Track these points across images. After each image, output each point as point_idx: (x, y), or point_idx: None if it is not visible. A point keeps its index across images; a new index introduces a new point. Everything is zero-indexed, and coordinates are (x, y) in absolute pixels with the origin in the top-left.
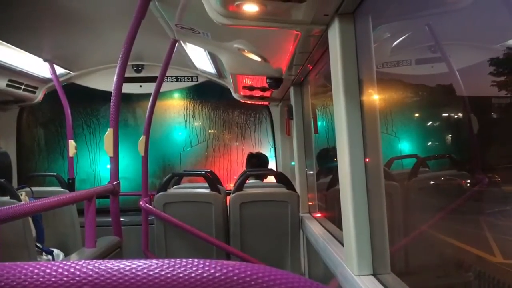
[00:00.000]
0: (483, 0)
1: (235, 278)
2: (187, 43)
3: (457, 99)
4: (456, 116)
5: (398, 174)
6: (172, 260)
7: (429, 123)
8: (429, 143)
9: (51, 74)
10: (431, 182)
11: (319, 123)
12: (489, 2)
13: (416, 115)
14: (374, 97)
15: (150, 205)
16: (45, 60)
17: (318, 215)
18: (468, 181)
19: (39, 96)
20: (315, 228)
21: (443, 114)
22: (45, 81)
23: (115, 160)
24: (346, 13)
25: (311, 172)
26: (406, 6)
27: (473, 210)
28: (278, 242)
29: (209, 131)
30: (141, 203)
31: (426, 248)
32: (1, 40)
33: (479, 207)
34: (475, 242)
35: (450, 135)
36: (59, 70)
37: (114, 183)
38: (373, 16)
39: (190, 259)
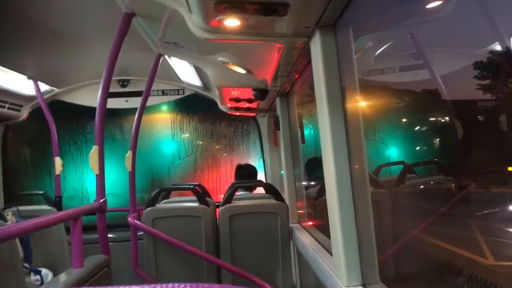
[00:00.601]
0: (462, 9)
1: None
2: (172, 57)
3: (441, 104)
4: (440, 121)
5: (386, 182)
6: (160, 285)
7: (414, 129)
8: (415, 149)
9: (36, 92)
10: (419, 188)
11: (306, 132)
12: (468, 11)
13: (402, 121)
14: (357, 105)
15: (139, 220)
16: (29, 78)
17: (308, 224)
18: (455, 185)
19: (24, 114)
20: (305, 239)
21: (428, 120)
22: (30, 98)
23: (101, 177)
24: (327, 25)
25: (300, 181)
26: (387, 16)
27: (462, 213)
28: (268, 254)
29: (198, 143)
30: (129, 219)
31: (416, 255)
32: None
33: (468, 210)
34: (466, 245)
35: (435, 141)
36: (44, 87)
37: (101, 200)
38: (354, 27)
39: (176, 283)
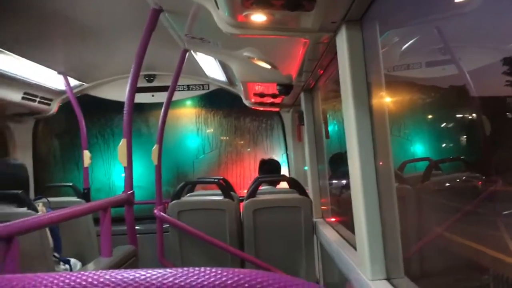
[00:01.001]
0: (490, 3)
1: (246, 285)
2: (198, 52)
3: (468, 101)
4: (468, 118)
5: (411, 178)
6: (185, 268)
7: (441, 125)
8: (442, 146)
9: (65, 86)
10: (444, 185)
11: (330, 128)
12: (497, 5)
13: (428, 117)
14: (383, 101)
15: (165, 213)
16: (59, 73)
17: (332, 220)
18: (482, 182)
19: (54, 108)
20: (328, 233)
21: (455, 116)
22: (59, 93)
23: (129, 170)
24: (353, 20)
25: (324, 177)
26: (413, 11)
27: (489, 211)
28: (292, 248)
29: (222, 138)
30: (155, 211)
31: (441, 251)
32: (17, 54)
33: (495, 208)
34: (492, 243)
35: (462, 137)
36: (73, 82)
37: (129, 192)
38: (380, 22)
39: (202, 268)
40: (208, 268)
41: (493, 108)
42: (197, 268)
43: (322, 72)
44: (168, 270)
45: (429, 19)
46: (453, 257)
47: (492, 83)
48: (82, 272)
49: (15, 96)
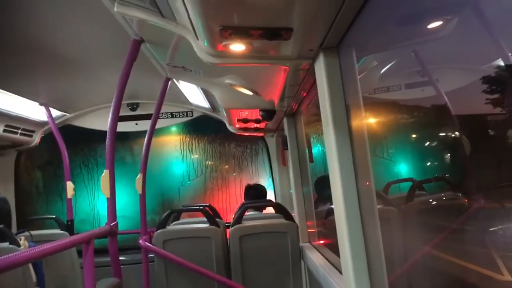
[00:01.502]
0: (464, 28)
1: None
2: (180, 80)
3: (447, 120)
4: (448, 137)
5: (395, 199)
6: None
7: (422, 145)
8: (425, 165)
9: (47, 117)
10: (428, 205)
11: (314, 151)
12: (470, 29)
13: (410, 138)
14: (363, 124)
15: (150, 242)
16: (41, 104)
17: (318, 243)
18: (465, 201)
19: (36, 139)
20: (315, 258)
21: (435, 136)
22: (42, 124)
23: (112, 200)
24: (330, 47)
25: (309, 200)
26: (388, 37)
27: (474, 229)
28: (280, 274)
29: (207, 163)
30: (140, 241)
31: (427, 272)
32: None
33: (480, 226)
34: (480, 261)
35: (444, 156)
36: (55, 112)
37: (112, 224)
38: (356, 48)
39: None
40: None
41: (471, 127)
42: None
43: (304, 96)
44: None
45: (404, 45)
46: (441, 277)
47: (469, 103)
48: None
49: None
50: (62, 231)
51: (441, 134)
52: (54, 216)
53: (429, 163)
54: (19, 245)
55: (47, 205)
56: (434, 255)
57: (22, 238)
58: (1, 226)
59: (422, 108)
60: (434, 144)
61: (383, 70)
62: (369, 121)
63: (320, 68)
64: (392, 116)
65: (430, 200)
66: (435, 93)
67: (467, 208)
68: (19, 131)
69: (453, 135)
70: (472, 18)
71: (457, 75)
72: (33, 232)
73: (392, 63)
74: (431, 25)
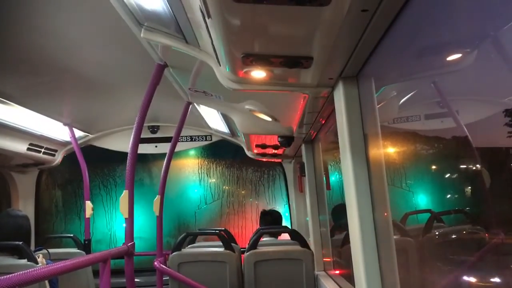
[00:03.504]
0: (484, 60)
1: None
2: (200, 105)
3: (467, 153)
4: (468, 170)
5: (413, 230)
6: None
7: (441, 177)
8: (443, 197)
9: (70, 137)
10: (446, 237)
11: (332, 179)
12: (490, 61)
13: (429, 169)
14: (381, 153)
15: (165, 264)
16: (64, 124)
17: (334, 272)
18: (485, 235)
19: (58, 158)
20: (330, 287)
21: (455, 168)
22: (64, 144)
23: (130, 221)
24: (350, 76)
25: (326, 228)
26: (407, 68)
27: (494, 264)
28: None
29: (224, 188)
30: (155, 263)
31: None
32: (24, 106)
33: (499, 261)
34: None
35: (463, 189)
36: (78, 133)
37: (129, 244)
38: (375, 78)
39: None
40: None
41: (492, 159)
42: None
43: (322, 124)
44: None
45: (424, 76)
46: None
47: (489, 135)
48: None
49: (20, 147)
50: (79, 250)
51: (461, 166)
52: (72, 235)
53: (448, 195)
54: (37, 263)
55: (65, 223)
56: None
57: (40, 255)
58: (21, 243)
59: (441, 139)
60: (453, 175)
61: (402, 100)
62: (387, 150)
63: (339, 97)
64: (411, 146)
65: (449, 233)
66: (455, 125)
67: (487, 242)
68: (43, 150)
69: (473, 168)
70: (492, 50)
71: (477, 107)
72: (51, 250)
73: (412, 93)
74: (451, 57)
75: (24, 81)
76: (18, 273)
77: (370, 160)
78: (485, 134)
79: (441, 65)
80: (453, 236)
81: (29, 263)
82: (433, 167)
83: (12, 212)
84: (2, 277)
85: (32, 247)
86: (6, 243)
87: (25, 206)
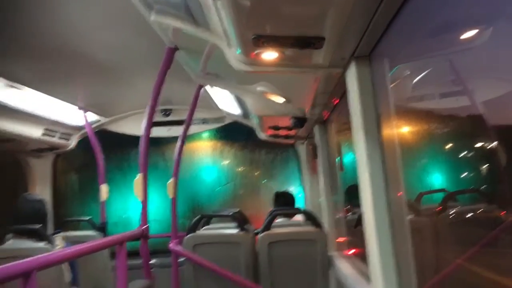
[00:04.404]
0: (499, 36)
1: None
2: (213, 87)
3: (483, 131)
4: (483, 148)
5: (427, 209)
6: None
7: (456, 156)
8: (457, 176)
9: (84, 122)
10: (461, 216)
11: (345, 160)
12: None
13: (443, 148)
14: (394, 133)
15: (180, 246)
16: (79, 108)
17: (347, 253)
18: (501, 213)
19: (73, 143)
20: (344, 267)
21: (470, 146)
22: (78, 128)
23: (144, 204)
24: (362, 56)
25: (339, 209)
26: (421, 46)
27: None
28: (308, 282)
29: (237, 170)
30: (170, 245)
31: (460, 286)
32: (40, 91)
33: None
34: None
35: (479, 168)
36: (92, 117)
37: (144, 227)
38: (389, 57)
39: None
40: None
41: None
42: None
43: (335, 104)
44: None
45: (438, 54)
46: None
47: (505, 113)
48: None
49: (36, 132)
50: (96, 233)
51: (476, 144)
52: (88, 218)
53: (463, 174)
54: (55, 245)
55: (82, 207)
56: (466, 268)
57: (58, 238)
58: (39, 226)
59: (456, 118)
60: (468, 154)
61: (416, 79)
62: (401, 130)
63: (352, 77)
64: (425, 126)
65: (464, 212)
66: (470, 103)
67: (503, 221)
68: (57, 135)
69: (488, 146)
70: (509, 26)
71: (493, 84)
72: (68, 233)
73: (426, 72)
74: (466, 34)
75: (38, 66)
76: (37, 256)
77: (384, 140)
78: (500, 112)
79: (456, 43)
80: (468, 215)
81: (47, 246)
82: (448, 146)
83: (29, 197)
84: (25, 260)
85: (50, 231)
86: (25, 227)
87: (42, 191)
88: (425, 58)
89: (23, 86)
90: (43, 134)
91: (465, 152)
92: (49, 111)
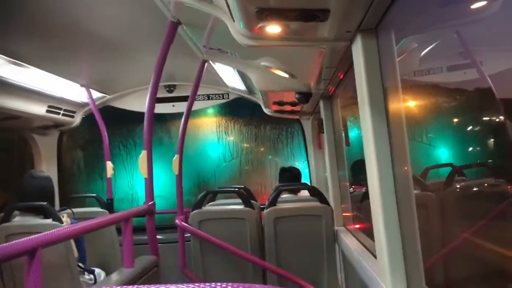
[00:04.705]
0: (509, 8)
1: None
2: (216, 63)
3: (490, 105)
4: (491, 122)
5: (434, 184)
6: (208, 284)
7: (463, 131)
8: (465, 151)
9: (88, 99)
10: (468, 191)
11: (351, 135)
12: None
13: (450, 122)
14: (400, 107)
15: (186, 222)
16: (81, 86)
17: (353, 227)
18: (507, 187)
19: (77, 120)
20: (349, 242)
21: (478, 121)
22: (82, 105)
23: (149, 181)
24: (368, 28)
25: (345, 184)
26: (428, 18)
27: None
28: (314, 257)
29: (243, 146)
30: (176, 221)
31: (465, 260)
32: (41, 68)
33: None
34: None
35: (486, 142)
36: (95, 94)
37: (149, 203)
38: (395, 30)
39: (224, 284)
40: (230, 284)
41: None
42: (219, 284)
43: (340, 79)
44: (191, 285)
45: (446, 26)
46: (479, 266)
47: None
48: None
49: (40, 109)
50: (102, 209)
51: (484, 118)
52: (94, 195)
53: (470, 148)
54: (61, 222)
55: (88, 183)
56: (472, 242)
57: (65, 215)
58: (45, 203)
59: (464, 92)
60: (476, 128)
61: (423, 52)
62: (407, 104)
63: (358, 50)
64: (432, 100)
65: (470, 186)
66: (478, 76)
67: (509, 195)
68: (61, 112)
69: (496, 120)
70: None
71: (502, 57)
72: (75, 210)
73: (433, 45)
74: (475, 5)
75: (40, 43)
76: (43, 233)
77: (390, 115)
78: (509, 85)
79: (464, 14)
80: (475, 189)
81: (54, 222)
82: (455, 120)
83: (35, 174)
84: (30, 237)
85: (57, 207)
86: (31, 204)
87: (48, 168)
88: (433, 30)
89: (25, 64)
90: (47, 111)
91: (472, 126)
92: (53, 88)
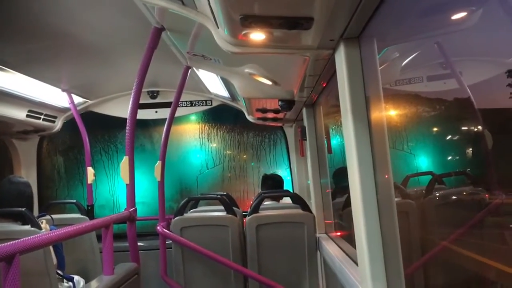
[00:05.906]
0: (488, 19)
1: None
2: (200, 69)
3: (469, 115)
4: (470, 132)
5: (414, 192)
6: None
7: (443, 140)
8: (444, 160)
9: (69, 104)
10: (447, 199)
11: (333, 142)
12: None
13: (430, 131)
14: (382, 115)
15: (168, 229)
16: (63, 90)
17: (335, 234)
18: (485, 196)
19: (58, 125)
20: (331, 249)
21: (457, 130)
22: (64, 110)
23: (131, 187)
24: (351, 37)
25: (327, 191)
26: (410, 28)
27: (494, 224)
28: (295, 264)
29: (225, 153)
30: (158, 227)
31: (445, 267)
32: (22, 72)
33: (500, 221)
34: (500, 257)
35: (465, 151)
36: (77, 99)
37: (131, 209)
38: (378, 39)
39: None
40: None
41: (494, 121)
42: None
43: (323, 87)
44: None
45: (426, 36)
46: (459, 272)
47: (492, 96)
48: None
49: (19, 114)
50: (82, 216)
51: (463, 128)
52: (74, 201)
53: (449, 157)
54: (40, 229)
55: (68, 189)
56: (451, 250)
57: (44, 221)
58: (24, 209)
59: (444, 101)
60: (455, 137)
61: (405, 62)
62: (389, 113)
63: (341, 59)
64: (413, 109)
65: (450, 194)
66: (458, 86)
67: (487, 203)
68: (42, 117)
69: (475, 129)
70: (498, 9)
71: (481, 68)
72: (54, 216)
73: (414, 54)
74: (455, 16)
75: (21, 47)
76: (21, 239)
77: (372, 123)
78: (488, 95)
79: (445, 25)
80: (454, 198)
81: (32, 229)
82: (435, 129)
83: (13, 179)
84: (7, 243)
85: (36, 213)
86: (9, 210)
87: (27, 173)
88: (414, 40)
89: (4, 67)
90: (27, 116)
91: (452, 135)
92: (33, 92)
